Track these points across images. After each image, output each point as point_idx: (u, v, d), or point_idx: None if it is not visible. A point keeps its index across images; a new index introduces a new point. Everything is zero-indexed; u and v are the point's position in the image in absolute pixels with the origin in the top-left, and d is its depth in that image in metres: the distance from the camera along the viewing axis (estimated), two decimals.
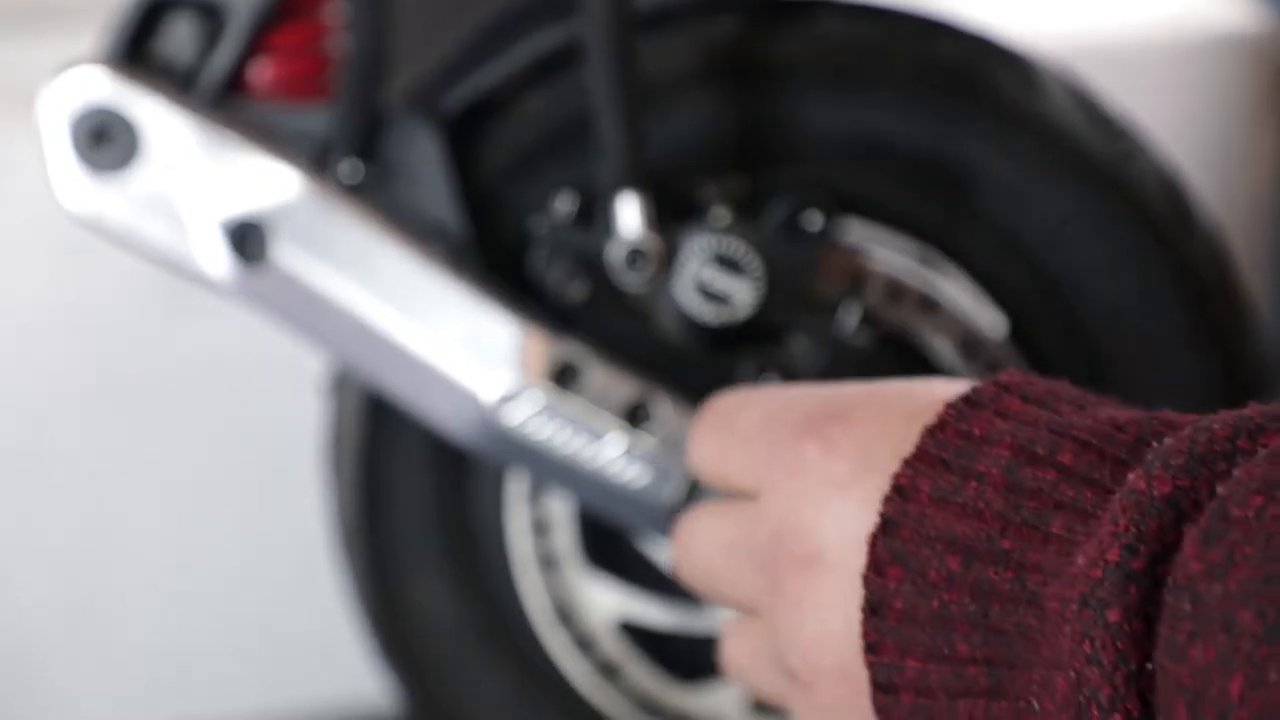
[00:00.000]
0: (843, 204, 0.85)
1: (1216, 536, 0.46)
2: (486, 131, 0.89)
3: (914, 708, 0.55)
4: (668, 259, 0.85)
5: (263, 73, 0.87)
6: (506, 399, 0.85)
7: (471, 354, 0.85)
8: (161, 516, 1.40)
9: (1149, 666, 0.47)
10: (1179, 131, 1.49)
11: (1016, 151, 0.88)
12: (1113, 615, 0.47)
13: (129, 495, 1.39)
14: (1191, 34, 1.55)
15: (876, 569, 0.55)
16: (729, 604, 0.74)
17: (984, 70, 0.89)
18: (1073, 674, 0.48)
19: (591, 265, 0.85)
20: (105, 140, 0.85)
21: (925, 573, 0.53)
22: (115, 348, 1.36)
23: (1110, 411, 0.56)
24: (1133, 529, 0.48)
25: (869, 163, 0.88)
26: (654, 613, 0.92)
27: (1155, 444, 0.52)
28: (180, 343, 1.37)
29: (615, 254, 0.85)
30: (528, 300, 0.87)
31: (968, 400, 0.57)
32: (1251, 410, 0.52)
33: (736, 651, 0.76)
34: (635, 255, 0.84)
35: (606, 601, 0.92)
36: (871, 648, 0.56)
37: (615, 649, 0.93)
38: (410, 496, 0.93)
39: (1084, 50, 1.38)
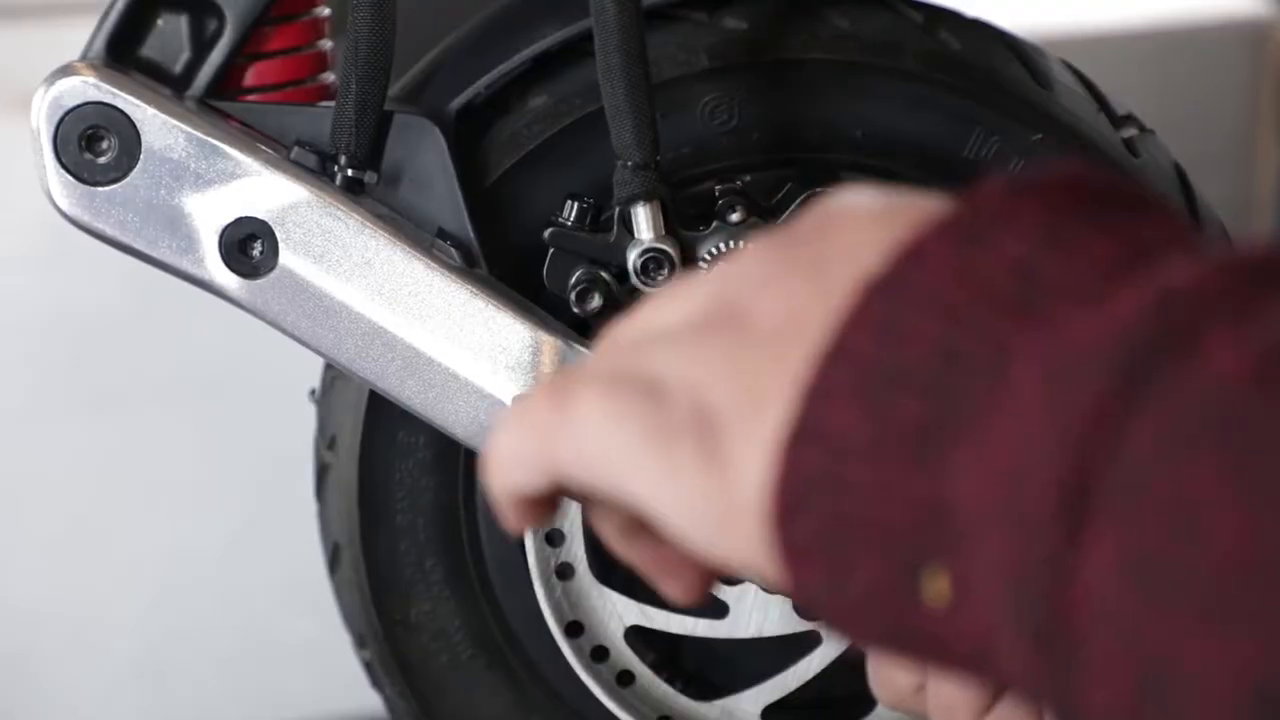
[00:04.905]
0: None
1: None
2: (493, 133, 0.87)
3: (817, 474, 0.43)
4: (684, 260, 0.83)
5: (258, 73, 0.85)
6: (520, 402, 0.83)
7: (483, 358, 0.83)
8: (156, 524, 1.40)
9: (1126, 469, 0.38)
10: (1184, 122, 1.49)
11: (1026, 145, 0.87)
12: (1095, 386, 0.39)
13: (123, 503, 1.39)
14: (1197, 24, 1.55)
15: (856, 314, 0.44)
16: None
17: (994, 64, 0.88)
18: (1018, 447, 0.40)
19: (606, 268, 0.84)
20: (99, 143, 0.83)
21: (899, 327, 0.44)
22: (109, 355, 1.36)
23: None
24: (1155, 313, 0.40)
25: (884, 157, 0.87)
26: (666, 621, 0.91)
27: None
28: (176, 349, 1.37)
29: (632, 257, 0.83)
30: (540, 304, 0.85)
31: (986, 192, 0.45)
32: None
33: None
34: (652, 258, 0.83)
35: (619, 611, 0.91)
36: (818, 390, 0.44)
37: (627, 658, 0.91)
38: (413, 506, 0.91)
39: (1090, 42, 1.37)
